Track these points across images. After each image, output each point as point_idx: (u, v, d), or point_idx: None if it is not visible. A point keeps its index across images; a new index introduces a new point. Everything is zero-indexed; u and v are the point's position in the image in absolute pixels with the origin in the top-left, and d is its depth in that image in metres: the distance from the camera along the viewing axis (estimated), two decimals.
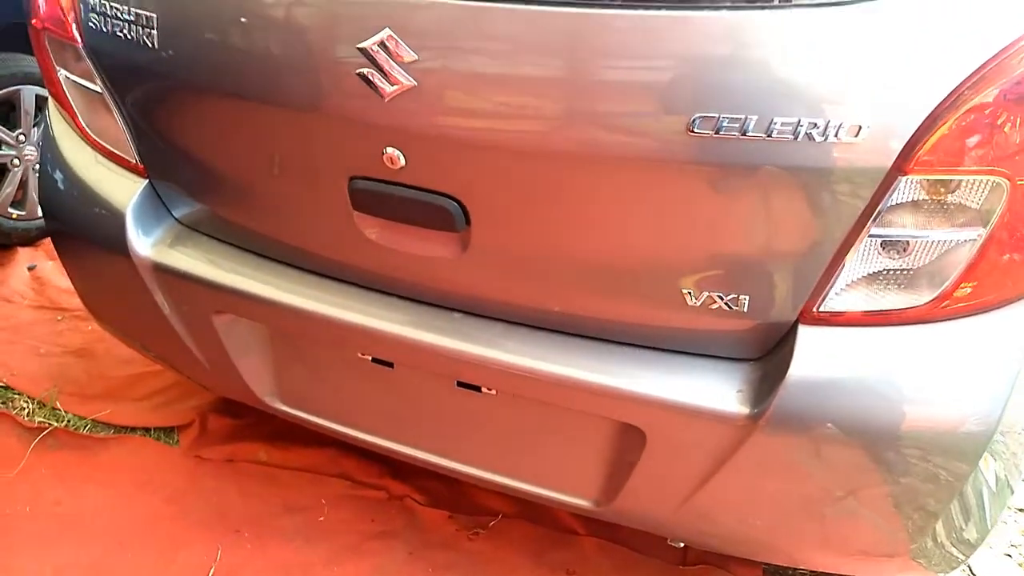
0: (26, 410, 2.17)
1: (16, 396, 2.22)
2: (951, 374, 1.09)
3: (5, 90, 2.62)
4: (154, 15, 1.23)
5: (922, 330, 1.08)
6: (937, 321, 1.07)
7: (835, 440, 1.12)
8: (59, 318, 2.57)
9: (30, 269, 2.79)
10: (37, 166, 2.78)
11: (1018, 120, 0.94)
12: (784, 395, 1.09)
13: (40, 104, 2.73)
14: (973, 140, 0.95)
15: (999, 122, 0.94)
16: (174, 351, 1.66)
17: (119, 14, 1.28)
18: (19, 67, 2.64)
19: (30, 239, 2.88)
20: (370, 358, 1.42)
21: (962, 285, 1.04)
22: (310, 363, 1.54)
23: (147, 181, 1.49)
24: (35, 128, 2.75)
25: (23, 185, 2.78)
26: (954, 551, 1.28)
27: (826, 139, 0.95)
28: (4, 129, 2.66)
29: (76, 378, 2.30)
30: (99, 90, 1.43)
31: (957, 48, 0.94)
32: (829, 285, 1.08)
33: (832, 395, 1.10)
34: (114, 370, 2.33)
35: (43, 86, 2.63)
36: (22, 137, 2.72)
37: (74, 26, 1.39)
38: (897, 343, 1.08)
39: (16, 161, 2.72)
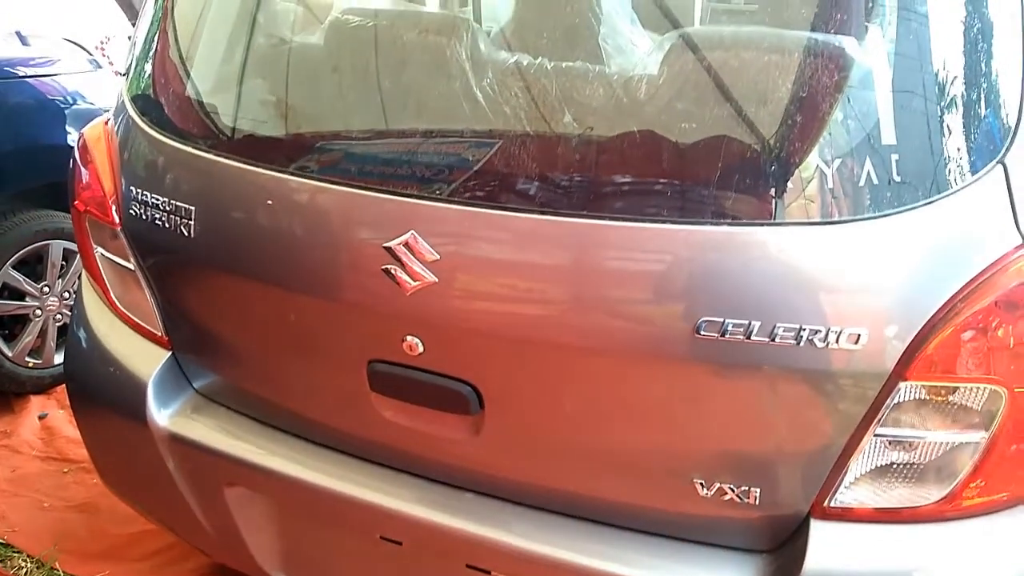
0: (24, 569, 2.12)
1: (15, 554, 2.18)
2: (969, 573, 1.09)
3: (36, 244, 2.74)
4: (192, 208, 1.32)
5: (936, 528, 1.08)
6: (950, 519, 1.08)
7: None
8: (65, 470, 2.56)
9: (41, 418, 2.80)
10: (58, 316, 2.87)
11: (1011, 331, 0.99)
12: None
13: (67, 256, 2.84)
14: (968, 349, 0.99)
15: (992, 332, 0.98)
16: (180, 518, 1.65)
17: (159, 204, 1.37)
18: (51, 223, 2.77)
19: (43, 387, 2.91)
20: (379, 535, 1.41)
21: (971, 484, 1.05)
22: (319, 539, 1.52)
23: (170, 353, 1.53)
24: (59, 279, 2.84)
25: (42, 334, 2.84)
26: None
27: (827, 345, 1.00)
28: (30, 281, 2.75)
29: (77, 535, 2.26)
30: (132, 267, 1.51)
31: (950, 263, 1.00)
32: (838, 481, 1.09)
33: None
34: (115, 527, 2.29)
35: (70, 240, 2.77)
36: (46, 288, 2.81)
37: (114, 209, 1.48)
38: (912, 541, 1.08)
39: (38, 311, 2.80)
